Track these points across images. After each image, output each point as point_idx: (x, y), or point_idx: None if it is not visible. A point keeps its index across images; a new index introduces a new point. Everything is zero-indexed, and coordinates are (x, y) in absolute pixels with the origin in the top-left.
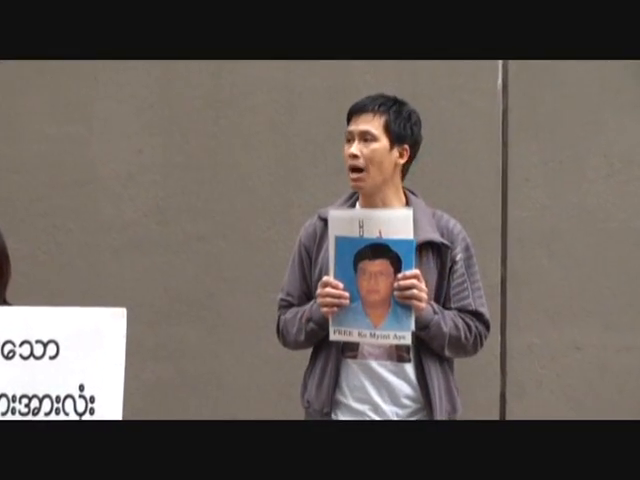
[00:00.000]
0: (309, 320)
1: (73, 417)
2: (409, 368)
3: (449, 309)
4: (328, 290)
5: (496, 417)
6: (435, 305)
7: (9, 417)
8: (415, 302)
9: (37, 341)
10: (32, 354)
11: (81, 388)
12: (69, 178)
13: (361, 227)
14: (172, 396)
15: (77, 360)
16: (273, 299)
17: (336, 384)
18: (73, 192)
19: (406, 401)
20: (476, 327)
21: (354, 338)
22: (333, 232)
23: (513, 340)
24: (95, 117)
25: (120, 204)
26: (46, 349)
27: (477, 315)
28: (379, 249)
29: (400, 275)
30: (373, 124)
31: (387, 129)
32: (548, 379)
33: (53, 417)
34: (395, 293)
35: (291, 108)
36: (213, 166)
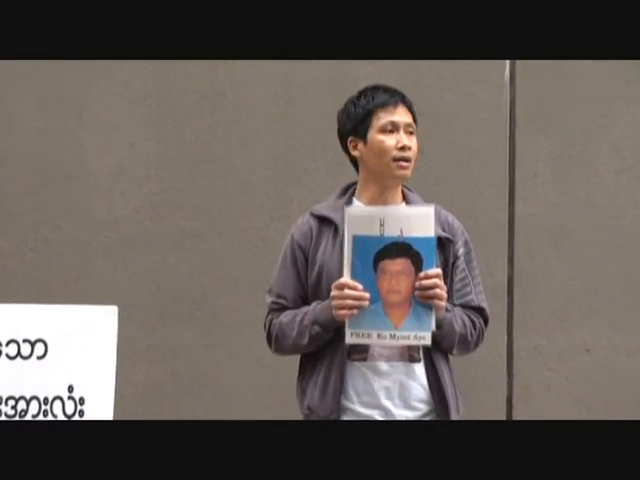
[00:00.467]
0: (314, 323)
1: (62, 419)
2: (419, 369)
3: (452, 305)
4: (347, 292)
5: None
6: (447, 303)
7: None
8: (437, 302)
9: (24, 340)
10: (19, 354)
11: (70, 389)
12: (58, 172)
13: (382, 225)
14: (165, 399)
15: (66, 360)
16: None
17: (341, 389)
18: (62, 187)
19: (417, 404)
20: (479, 323)
21: (373, 340)
22: (351, 231)
23: (520, 341)
24: (86, 109)
25: (111, 199)
26: (34, 348)
27: (479, 311)
28: (400, 248)
29: (422, 274)
30: (410, 117)
31: (415, 124)
32: (556, 382)
33: (41, 419)
34: (417, 293)
35: (290, 100)
36: (209, 160)
